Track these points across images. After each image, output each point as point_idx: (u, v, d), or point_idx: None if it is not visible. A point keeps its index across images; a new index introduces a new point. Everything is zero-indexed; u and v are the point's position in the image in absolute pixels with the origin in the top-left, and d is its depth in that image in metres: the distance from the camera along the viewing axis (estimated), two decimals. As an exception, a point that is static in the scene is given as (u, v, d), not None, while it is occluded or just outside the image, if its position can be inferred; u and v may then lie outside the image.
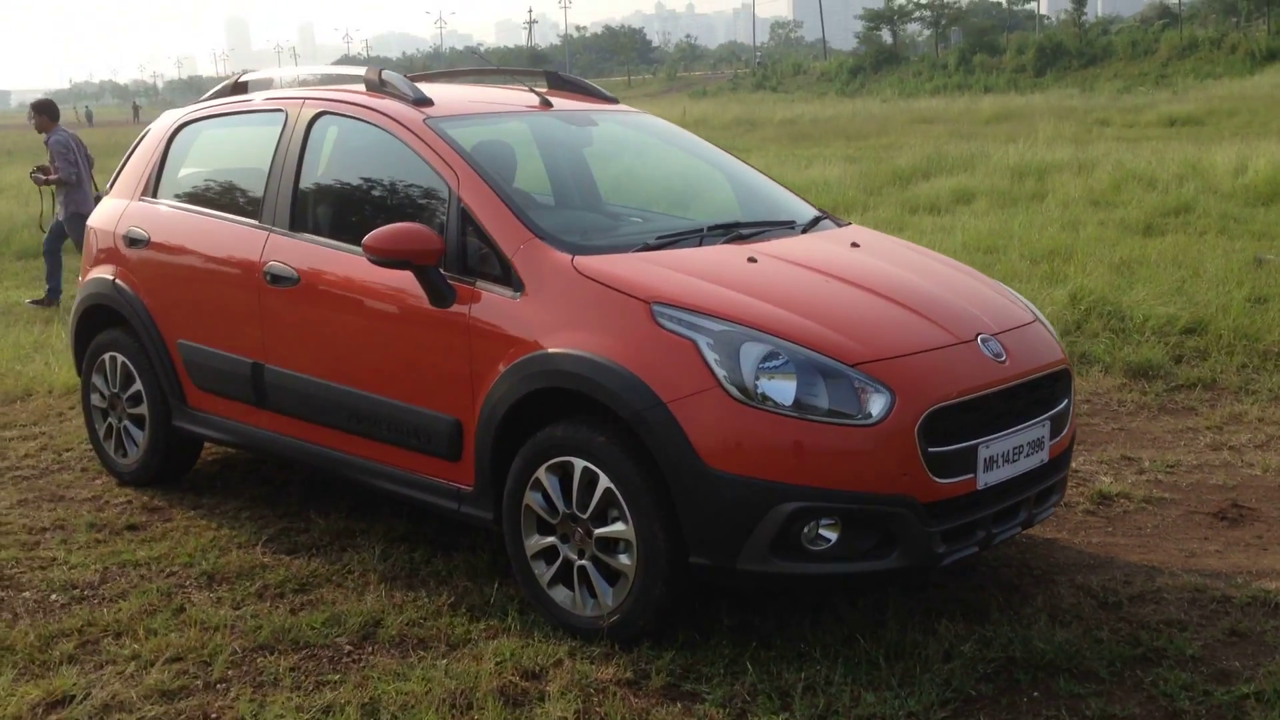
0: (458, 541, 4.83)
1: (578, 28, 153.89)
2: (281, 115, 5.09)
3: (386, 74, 4.92)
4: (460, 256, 4.25)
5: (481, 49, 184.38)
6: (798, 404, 3.62)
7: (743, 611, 4.09)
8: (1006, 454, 3.87)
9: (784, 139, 30.48)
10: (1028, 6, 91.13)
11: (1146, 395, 6.72)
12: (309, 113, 4.98)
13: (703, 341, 3.71)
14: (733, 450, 3.62)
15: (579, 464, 3.90)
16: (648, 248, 4.23)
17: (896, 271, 4.39)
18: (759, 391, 3.63)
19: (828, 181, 17.51)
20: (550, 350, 3.93)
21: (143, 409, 5.55)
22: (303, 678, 3.78)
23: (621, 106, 5.55)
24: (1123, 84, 54.73)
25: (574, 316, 3.95)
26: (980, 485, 3.78)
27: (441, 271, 4.23)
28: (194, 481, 5.75)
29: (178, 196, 5.52)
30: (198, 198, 5.45)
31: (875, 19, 78.56)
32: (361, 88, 5.03)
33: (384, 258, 4.21)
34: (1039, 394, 4.06)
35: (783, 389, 3.64)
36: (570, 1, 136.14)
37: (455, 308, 4.20)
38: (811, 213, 4.96)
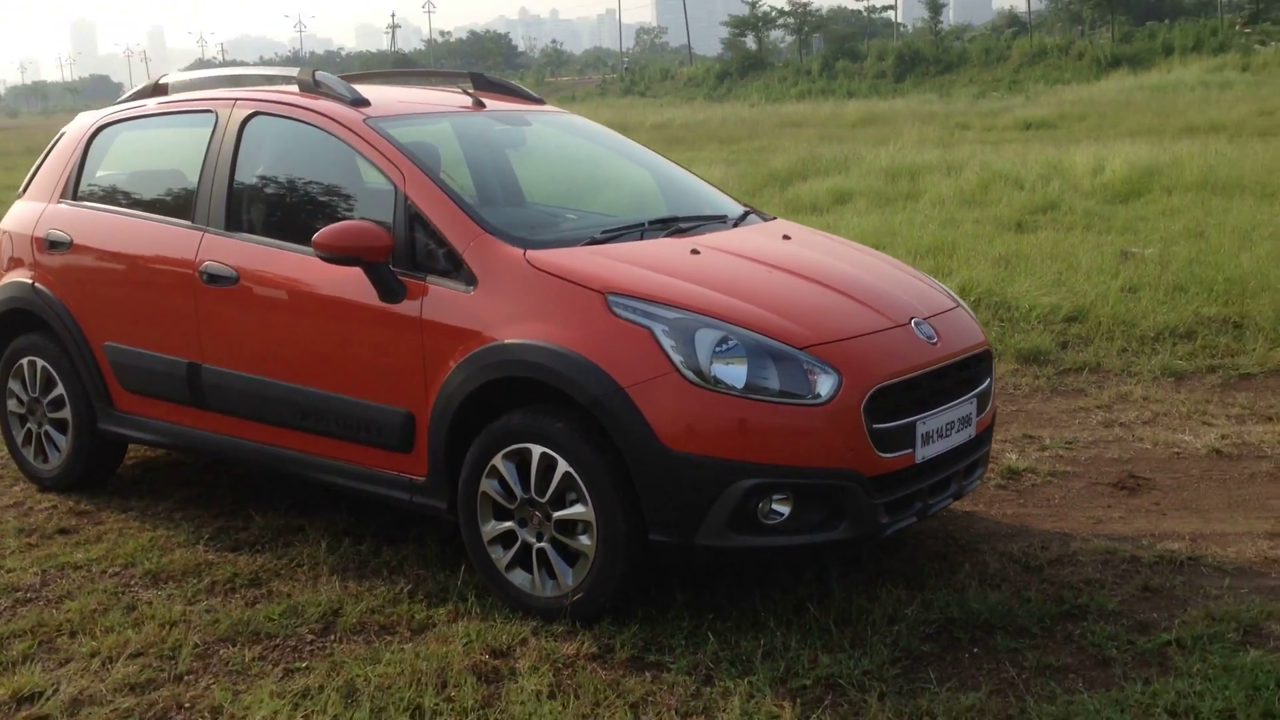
0: (403, 533, 4.91)
1: (442, 33, 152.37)
2: (211, 116, 5.10)
3: (320, 75, 4.98)
4: (409, 253, 4.34)
5: (342, 53, 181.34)
6: (750, 386, 3.81)
7: (695, 586, 4.27)
8: (940, 430, 4.12)
9: (658, 143, 30.73)
10: (885, 14, 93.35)
11: (1039, 379, 7.10)
12: (241, 113, 5.01)
13: (658, 329, 3.87)
14: (690, 431, 3.79)
15: (537, 450, 4.03)
16: (594, 242, 4.39)
17: (829, 261, 4.62)
18: (713, 375, 3.81)
19: (709, 183, 17.81)
20: (507, 341, 4.04)
21: (65, 413, 5.49)
22: (270, 667, 3.84)
23: (548, 107, 5.69)
24: (978, 89, 56.48)
25: (529, 308, 4.08)
26: (918, 459, 4.03)
27: (391, 268, 4.31)
28: (118, 485, 5.70)
29: (101, 198, 5.48)
30: (123, 199, 5.42)
31: (740, 25, 79.79)
32: (291, 89, 5.08)
33: (334, 254, 4.28)
34: (966, 374, 4.32)
35: (735, 372, 3.82)
36: (433, 6, 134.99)
37: (406, 303, 4.29)
38: (739, 208, 5.17)
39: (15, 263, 5.64)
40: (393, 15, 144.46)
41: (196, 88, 5.60)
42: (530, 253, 4.19)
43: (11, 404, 5.70)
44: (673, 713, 3.49)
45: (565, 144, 5.63)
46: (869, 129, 33.94)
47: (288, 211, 4.92)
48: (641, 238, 4.54)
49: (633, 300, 3.95)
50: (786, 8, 78.26)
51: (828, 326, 4.02)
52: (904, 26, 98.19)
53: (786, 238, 4.85)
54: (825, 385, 3.84)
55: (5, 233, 5.77)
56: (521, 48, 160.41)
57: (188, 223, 4.99)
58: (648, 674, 3.72)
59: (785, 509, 3.85)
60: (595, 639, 3.91)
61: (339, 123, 4.70)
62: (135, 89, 5.78)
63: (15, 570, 4.68)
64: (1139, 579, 4.31)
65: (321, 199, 4.85)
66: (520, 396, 4.14)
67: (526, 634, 3.97)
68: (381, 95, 5.05)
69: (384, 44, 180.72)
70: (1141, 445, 5.88)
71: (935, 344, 4.19)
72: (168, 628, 4.10)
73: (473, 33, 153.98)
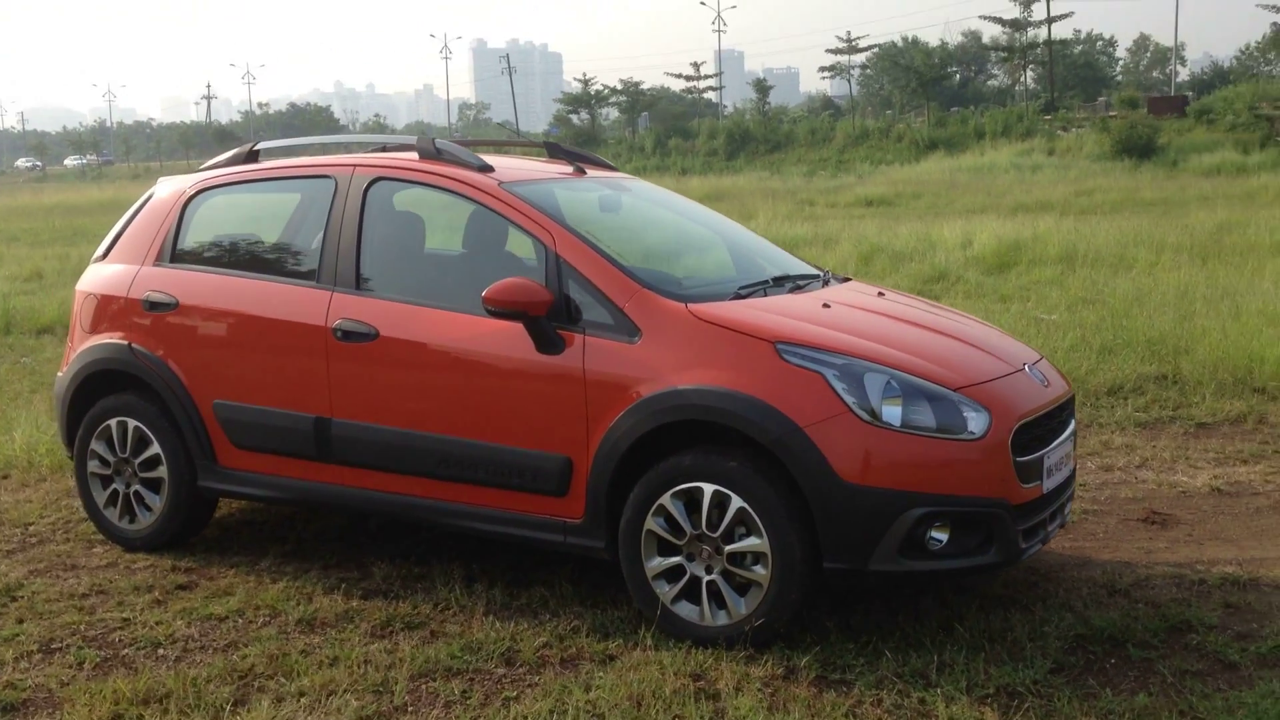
0: (526, 577, 5.14)
1: (260, 104, 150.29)
2: (330, 182, 5.30)
3: (440, 142, 5.27)
4: (564, 307, 4.65)
5: (153, 124, 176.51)
6: (913, 425, 4.24)
7: (839, 613, 4.64)
8: (1057, 463, 4.63)
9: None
10: (707, 95, 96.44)
11: (1022, 431, 7.72)
12: (363, 178, 5.23)
13: (829, 374, 4.28)
14: (865, 466, 4.20)
15: (709, 488, 4.36)
16: (738, 296, 4.78)
17: (934, 315, 5.11)
18: (883, 415, 4.23)
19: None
20: (680, 387, 4.38)
21: (160, 472, 5.53)
22: (485, 697, 4.05)
23: (623, 174, 6.08)
24: (807, 168, 58.85)
25: (698, 356, 4.43)
26: (1045, 490, 4.52)
27: (549, 321, 4.61)
28: (208, 545, 5.73)
29: (204, 260, 5.60)
30: (231, 262, 5.55)
31: (574, 102, 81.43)
32: (407, 155, 5.34)
33: (501, 308, 4.56)
34: (1064, 415, 4.86)
35: (900, 413, 4.26)
36: (253, 78, 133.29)
37: (567, 354, 4.58)
38: (815, 269, 5.62)
39: (105, 324, 5.68)
40: (208, 86, 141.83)
41: (289, 154, 5.79)
42: (693, 306, 4.55)
43: (93, 465, 5.70)
44: (888, 717, 3.85)
45: (654, 209, 5.99)
46: (719, 204, 34.93)
47: (423, 270, 5.18)
48: (765, 294, 4.95)
49: (801, 348, 4.35)
50: (619, 86, 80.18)
51: (969, 371, 4.50)
52: (725, 106, 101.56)
53: (881, 294, 5.33)
54: (978, 423, 4.30)
55: (89, 295, 5.80)
56: (342, 120, 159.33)
57: (313, 283, 5.17)
58: (843, 690, 4.07)
59: (944, 535, 4.28)
60: (776, 662, 4.24)
61: (475, 187, 4.99)
62: (224, 155, 5.92)
63: (163, 623, 4.73)
64: (1216, 597, 4.87)
65: (462, 259, 5.12)
66: (679, 440, 4.47)
67: (710, 661, 4.27)
68: (499, 163, 5.35)
69: (192, 115, 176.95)
70: (1146, 486, 6.52)
71: (1047, 387, 4.71)
72: (361, 666, 4.26)
73: (293, 105, 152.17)
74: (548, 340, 4.61)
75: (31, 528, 6.09)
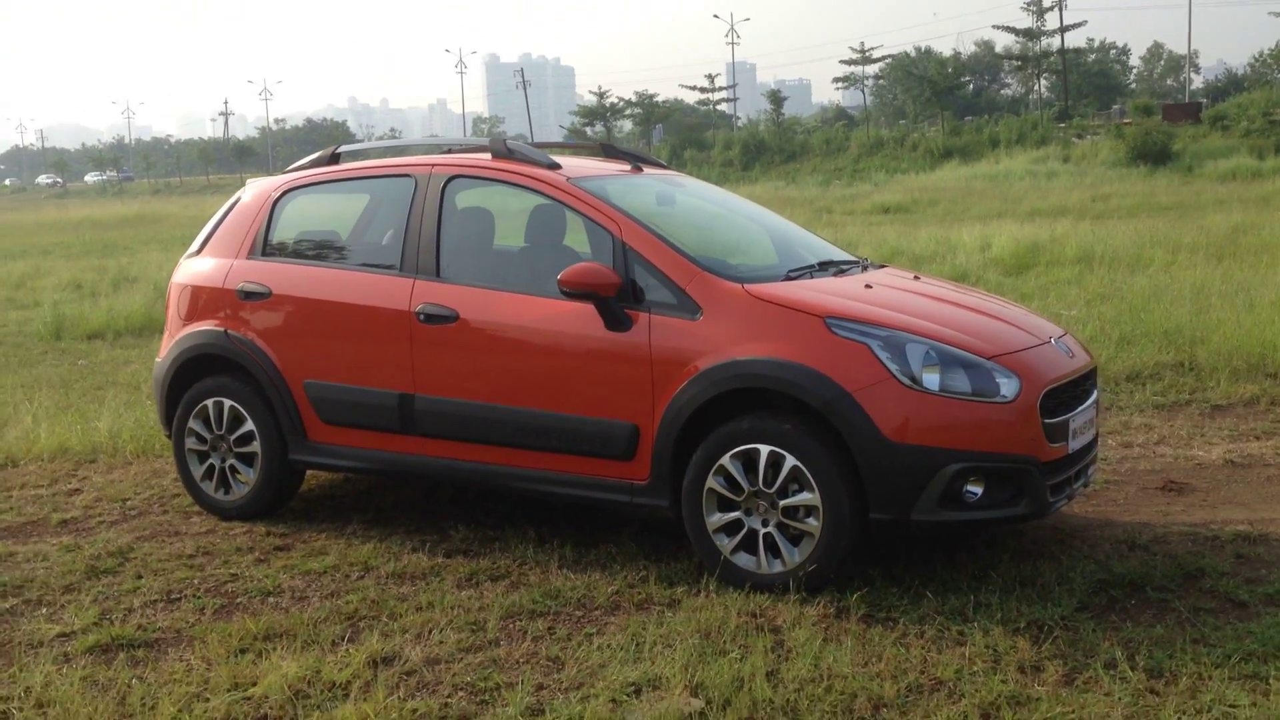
0: (592, 538, 5.61)
1: (276, 120, 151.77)
2: (410, 180, 5.80)
3: (512, 143, 5.76)
4: (630, 289, 5.13)
5: (170, 140, 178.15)
6: (951, 389, 4.71)
7: (882, 564, 5.10)
8: (1081, 427, 5.09)
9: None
10: (720, 107, 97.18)
11: (1045, 414, 8.18)
12: (440, 177, 5.73)
13: (874, 345, 4.75)
14: (907, 426, 4.66)
15: (765, 449, 4.83)
16: (789, 278, 5.26)
17: (967, 296, 5.58)
18: (923, 380, 4.70)
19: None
20: (740, 358, 4.86)
21: (253, 447, 6.03)
22: (569, 633, 4.52)
23: (676, 171, 6.57)
24: (822, 177, 59.30)
25: (756, 331, 4.91)
26: (1070, 450, 4.98)
27: (618, 302, 5.09)
28: (294, 514, 6.22)
29: (294, 254, 6.11)
30: (319, 254, 6.06)
31: (590, 115, 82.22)
32: (479, 156, 5.85)
33: (575, 290, 5.05)
34: (1087, 384, 5.31)
35: (939, 379, 4.72)
36: (271, 94, 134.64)
37: (634, 331, 5.06)
38: (854, 257, 6.10)
39: (201, 312, 6.19)
40: (225, 103, 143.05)
41: (366, 157, 6.31)
42: (749, 286, 5.03)
43: (191, 441, 6.20)
44: (931, 646, 4.32)
45: (705, 203, 6.48)
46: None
47: (499, 258, 5.66)
48: (812, 277, 5.42)
49: (848, 322, 4.83)
50: (633, 99, 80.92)
51: (1001, 342, 4.97)
52: (738, 118, 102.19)
53: (916, 277, 5.81)
54: (1010, 387, 4.77)
55: (185, 287, 6.31)
56: (359, 135, 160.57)
57: (395, 272, 5.67)
58: (889, 625, 4.53)
59: (978, 489, 4.74)
60: (828, 603, 4.70)
61: (547, 183, 5.48)
62: (308, 159, 6.44)
63: (269, 576, 5.23)
64: (1228, 550, 5.32)
65: (537, 247, 5.61)
66: (741, 405, 4.94)
67: (765, 603, 4.73)
68: (563, 161, 5.84)
69: (208, 131, 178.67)
70: (1164, 459, 6.96)
71: (1072, 358, 5.17)
72: (453, 610, 4.73)
73: (309, 120, 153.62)
74: (616, 319, 5.09)
75: (129, 502, 6.60)
